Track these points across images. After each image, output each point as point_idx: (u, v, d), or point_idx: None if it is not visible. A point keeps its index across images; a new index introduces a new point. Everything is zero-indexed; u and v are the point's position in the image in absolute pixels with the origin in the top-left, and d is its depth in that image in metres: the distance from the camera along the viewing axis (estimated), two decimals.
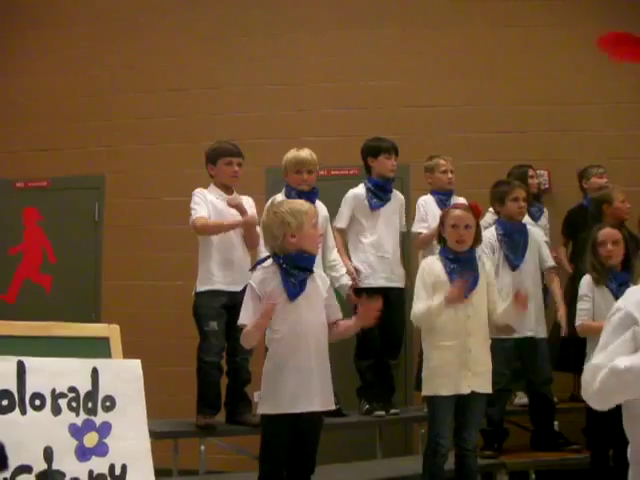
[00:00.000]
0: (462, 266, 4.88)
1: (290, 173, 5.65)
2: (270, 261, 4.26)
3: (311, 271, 4.25)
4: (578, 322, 5.29)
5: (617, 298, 4.93)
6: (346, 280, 5.80)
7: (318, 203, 5.59)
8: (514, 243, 5.89)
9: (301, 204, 4.29)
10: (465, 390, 4.78)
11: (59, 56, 8.11)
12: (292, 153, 5.68)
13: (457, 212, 4.95)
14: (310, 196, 5.55)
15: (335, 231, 6.01)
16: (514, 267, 5.84)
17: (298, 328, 4.11)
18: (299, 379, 4.08)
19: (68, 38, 8.10)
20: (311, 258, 4.24)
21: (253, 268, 4.45)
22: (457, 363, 4.76)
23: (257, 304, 4.12)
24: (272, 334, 4.17)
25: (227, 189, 5.58)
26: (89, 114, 7.98)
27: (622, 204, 6.14)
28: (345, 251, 6.09)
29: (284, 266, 4.15)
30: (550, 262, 6.08)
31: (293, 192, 5.59)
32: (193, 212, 5.43)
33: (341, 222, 6.07)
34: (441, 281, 4.85)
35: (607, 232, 5.30)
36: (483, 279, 4.96)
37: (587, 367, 2.77)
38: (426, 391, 4.90)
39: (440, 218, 5.06)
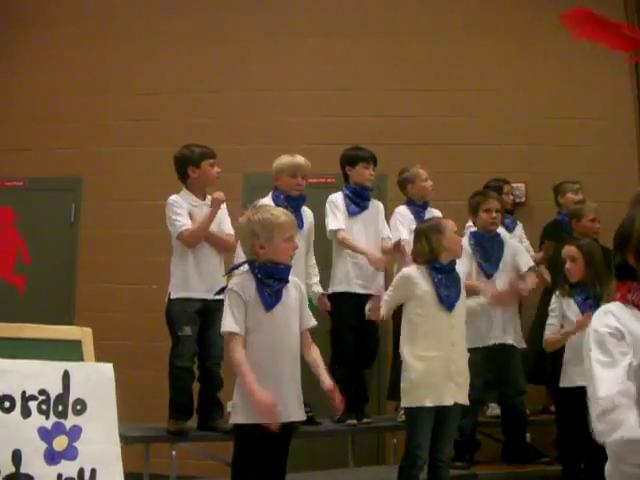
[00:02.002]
0: (447, 277, 4.91)
1: (284, 177, 5.63)
2: (246, 267, 4.24)
3: (286, 281, 4.23)
4: (544, 337, 5.38)
5: (583, 312, 5.06)
6: (317, 288, 5.82)
7: (305, 209, 5.61)
8: (486, 252, 5.95)
9: (277, 215, 4.16)
10: (449, 401, 4.79)
11: (38, 58, 8.07)
12: (287, 158, 5.67)
13: (452, 222, 5.08)
14: (297, 202, 5.56)
15: (335, 234, 5.95)
16: (489, 276, 5.89)
17: (274, 338, 4.08)
18: (274, 389, 4.06)
19: (47, 40, 8.07)
20: (286, 269, 4.19)
21: (228, 273, 4.41)
22: (441, 374, 4.78)
23: (242, 310, 4.06)
24: (247, 343, 4.10)
25: (201, 193, 5.56)
26: (67, 115, 7.95)
27: (591, 223, 6.21)
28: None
29: (259, 276, 4.14)
30: (527, 265, 6.09)
31: (281, 197, 5.59)
32: (177, 224, 5.36)
33: (337, 223, 5.95)
34: (425, 293, 4.87)
35: (565, 249, 5.38)
36: (464, 290, 5.02)
37: (594, 409, 2.41)
38: (408, 402, 4.87)
39: (431, 231, 5.01)
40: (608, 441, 2.39)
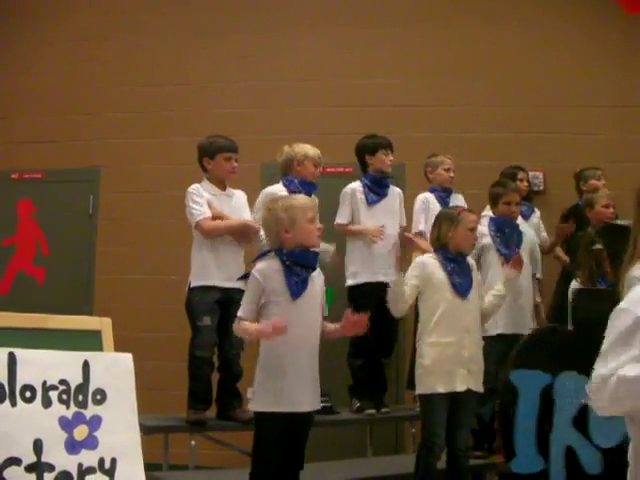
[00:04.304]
0: (460, 266, 4.93)
1: (309, 164, 5.68)
2: (272, 254, 4.24)
3: (314, 268, 4.24)
4: None
5: None
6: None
7: (313, 197, 5.59)
8: (506, 238, 5.96)
9: (296, 199, 4.27)
10: (461, 387, 4.79)
11: (56, 48, 8.09)
12: (309, 148, 5.73)
13: (474, 217, 5.10)
14: (311, 187, 5.57)
15: (337, 227, 6.00)
16: (507, 261, 5.88)
17: (298, 327, 4.09)
18: (297, 378, 4.08)
19: (65, 31, 8.09)
20: (314, 255, 4.23)
21: (254, 262, 4.41)
22: (454, 360, 4.79)
23: (258, 295, 4.10)
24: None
25: (221, 184, 5.57)
26: (85, 106, 7.97)
27: (604, 209, 6.19)
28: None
29: (287, 263, 4.14)
30: (537, 273, 6.18)
31: (295, 181, 5.60)
32: (195, 212, 5.39)
33: (343, 218, 6.04)
34: (440, 281, 4.88)
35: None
36: (476, 278, 5.03)
37: (594, 377, 2.62)
38: (421, 389, 4.89)
39: (444, 219, 5.07)
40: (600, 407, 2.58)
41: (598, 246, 5.37)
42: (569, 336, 4.18)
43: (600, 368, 2.59)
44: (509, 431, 3.87)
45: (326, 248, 5.80)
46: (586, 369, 3.77)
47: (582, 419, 3.98)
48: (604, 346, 2.61)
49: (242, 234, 5.45)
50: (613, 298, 4.16)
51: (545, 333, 4.20)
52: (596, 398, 2.61)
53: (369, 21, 7.70)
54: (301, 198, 4.31)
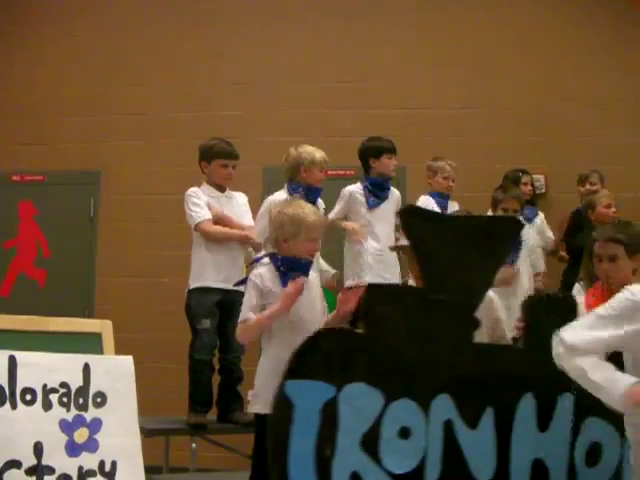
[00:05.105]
0: None
1: (315, 170, 5.56)
2: (267, 260, 4.24)
3: (306, 274, 4.22)
4: None
5: None
6: (330, 270, 5.83)
7: (320, 201, 5.58)
8: None
9: (307, 214, 4.16)
10: None
11: (57, 50, 8.09)
12: (316, 152, 5.60)
13: None
14: (316, 194, 5.54)
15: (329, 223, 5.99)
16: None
17: (296, 330, 4.09)
18: None
19: (66, 32, 8.08)
20: (307, 263, 4.21)
21: (251, 264, 4.40)
22: None
23: (258, 298, 4.08)
24: (270, 335, 4.15)
25: (220, 187, 5.57)
26: (87, 109, 7.96)
27: (606, 209, 6.19)
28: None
29: (281, 268, 4.14)
30: (538, 267, 6.18)
31: (300, 189, 5.54)
32: (194, 214, 5.39)
33: (333, 214, 5.99)
34: None
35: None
36: None
37: (563, 337, 2.96)
38: None
39: None
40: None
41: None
42: (357, 340, 3.60)
43: (573, 332, 3.02)
44: (282, 455, 3.39)
45: (326, 269, 5.80)
46: (377, 380, 3.48)
47: (371, 440, 3.45)
48: (599, 309, 2.99)
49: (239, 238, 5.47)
50: (406, 297, 3.82)
51: (327, 336, 3.64)
52: (558, 360, 3.02)
53: (372, 23, 7.69)
54: (312, 215, 4.18)
